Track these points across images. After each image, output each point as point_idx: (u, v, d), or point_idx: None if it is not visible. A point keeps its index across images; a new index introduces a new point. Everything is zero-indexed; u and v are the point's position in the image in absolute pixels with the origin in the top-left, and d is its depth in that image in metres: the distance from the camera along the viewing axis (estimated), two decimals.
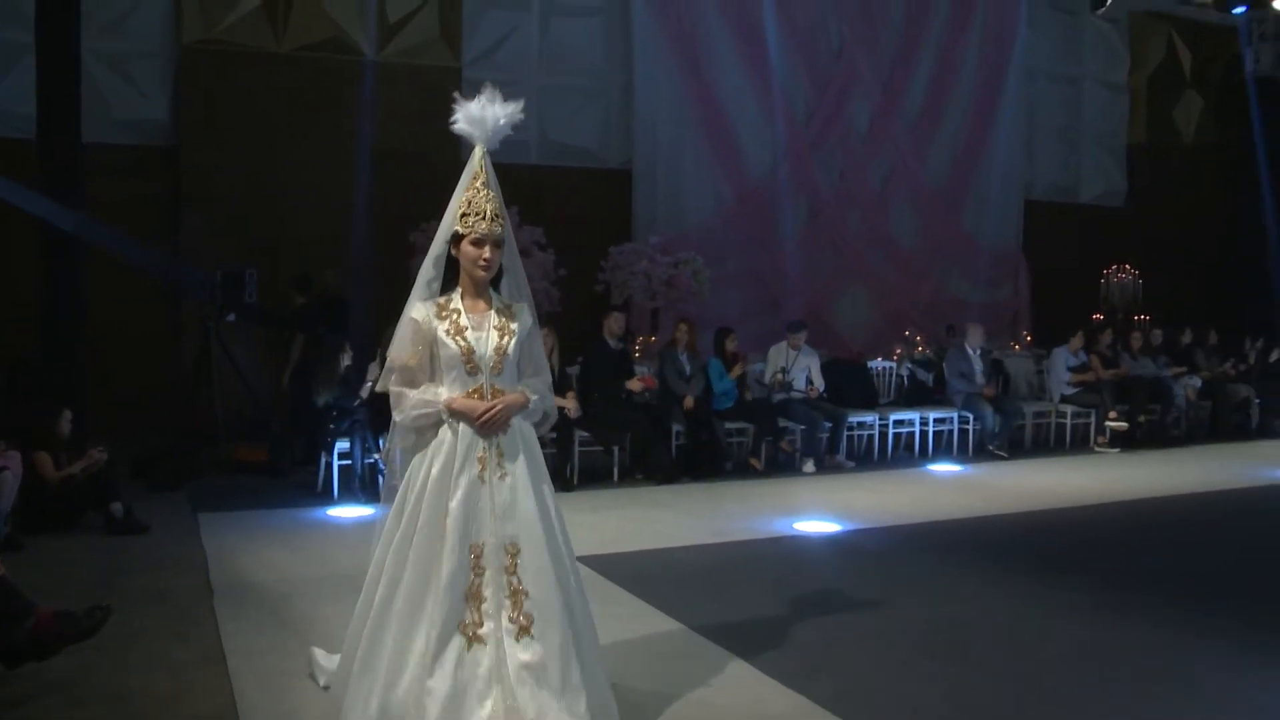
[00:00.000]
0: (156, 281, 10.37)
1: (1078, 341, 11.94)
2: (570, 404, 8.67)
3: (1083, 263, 14.87)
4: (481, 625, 3.63)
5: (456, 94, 3.87)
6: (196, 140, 10.75)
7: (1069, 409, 11.76)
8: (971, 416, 11.02)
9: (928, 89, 14.18)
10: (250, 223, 10.65)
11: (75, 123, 9.26)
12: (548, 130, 12.03)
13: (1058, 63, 15.54)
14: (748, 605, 5.64)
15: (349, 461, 8.27)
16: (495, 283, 3.89)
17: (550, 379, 4.06)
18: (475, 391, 3.75)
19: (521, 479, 3.75)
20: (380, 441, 8.41)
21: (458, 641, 3.60)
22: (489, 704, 3.57)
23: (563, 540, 3.84)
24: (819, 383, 10.27)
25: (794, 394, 10.16)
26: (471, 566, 3.64)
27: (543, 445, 4.15)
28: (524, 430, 3.85)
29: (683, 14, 12.67)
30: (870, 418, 10.74)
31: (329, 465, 8.34)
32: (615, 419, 9.20)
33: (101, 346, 9.75)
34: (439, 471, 3.69)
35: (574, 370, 9.44)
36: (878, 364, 11.80)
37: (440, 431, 3.75)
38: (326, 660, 4.27)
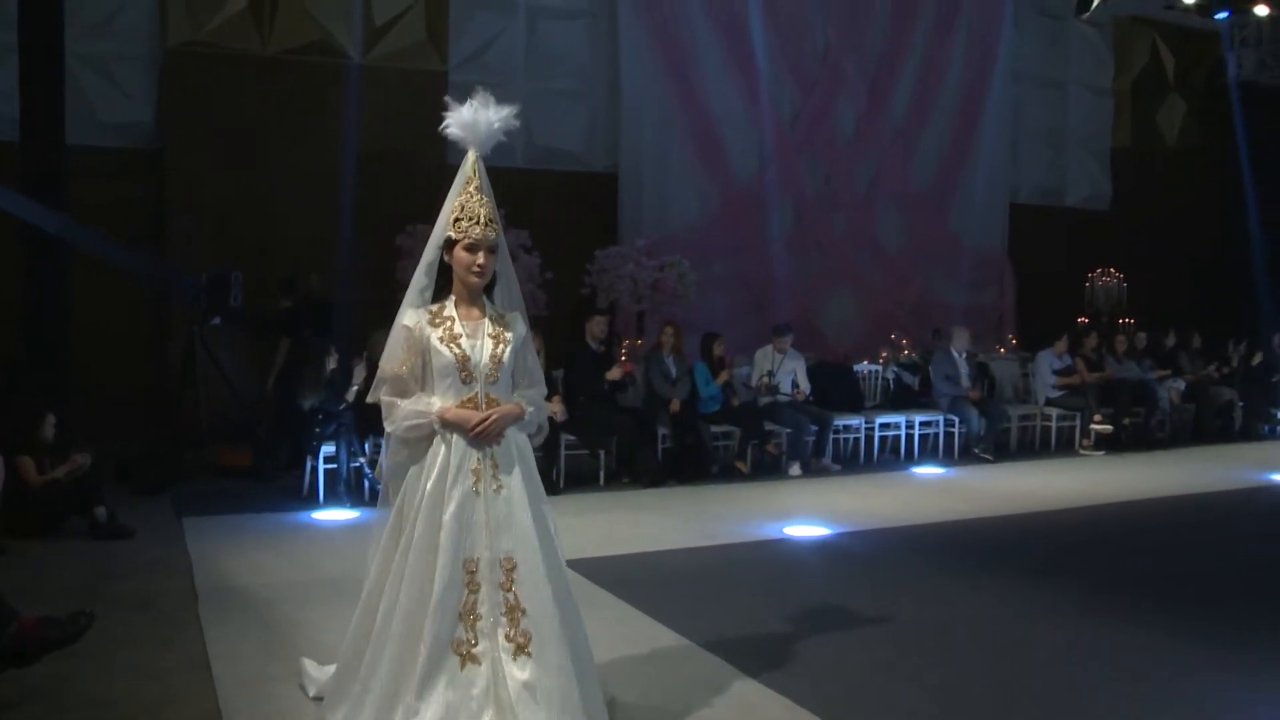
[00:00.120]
0: (141, 285, 10.33)
1: (1062, 345, 11.99)
2: (556, 407, 8.66)
3: (1068, 266, 14.93)
4: (476, 644, 3.53)
5: (448, 98, 3.81)
6: (182, 143, 10.71)
7: (1054, 412, 11.80)
8: (957, 419, 11.05)
9: (913, 92, 14.22)
10: (236, 226, 10.61)
11: (59, 125, 9.22)
12: (534, 133, 12.02)
13: (1043, 66, 15.61)
14: (735, 609, 5.65)
15: (335, 465, 8.25)
16: (489, 290, 3.83)
17: (545, 390, 3.98)
18: (469, 401, 3.67)
19: (517, 492, 3.67)
20: (365, 446, 8.41)
21: (451, 661, 3.51)
22: None
23: (557, 556, 3.75)
24: (805, 386, 10.29)
25: (780, 397, 10.17)
26: (466, 583, 3.55)
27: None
28: (519, 442, 3.77)
29: (669, 17, 12.68)
30: (856, 421, 10.76)
31: (314, 469, 8.32)
32: (601, 422, 9.20)
33: (85, 350, 9.70)
34: (433, 485, 3.60)
35: (559, 374, 9.44)
36: (863, 367, 11.82)
37: (433, 443, 3.65)
38: (317, 671, 4.21)
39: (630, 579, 6.05)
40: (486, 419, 3.62)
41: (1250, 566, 6.88)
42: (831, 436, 10.37)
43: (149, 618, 5.31)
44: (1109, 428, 11.58)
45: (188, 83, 10.70)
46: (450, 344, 3.66)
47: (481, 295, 3.78)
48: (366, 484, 8.36)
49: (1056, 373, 11.84)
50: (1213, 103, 16.29)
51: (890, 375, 11.76)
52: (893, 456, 10.95)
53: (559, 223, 11.48)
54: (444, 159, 10.93)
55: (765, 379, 10.22)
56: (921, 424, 11.09)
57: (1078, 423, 11.73)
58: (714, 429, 9.91)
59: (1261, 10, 12.94)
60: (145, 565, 6.36)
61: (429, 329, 3.68)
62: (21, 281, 9.02)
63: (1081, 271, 15.03)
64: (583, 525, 7.37)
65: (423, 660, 3.47)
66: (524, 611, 3.57)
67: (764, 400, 10.17)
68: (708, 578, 6.34)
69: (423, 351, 3.68)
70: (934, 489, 9.51)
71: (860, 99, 13.90)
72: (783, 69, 13.38)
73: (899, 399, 11.57)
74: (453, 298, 3.75)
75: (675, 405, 9.53)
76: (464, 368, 3.66)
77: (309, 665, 4.30)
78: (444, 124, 3.80)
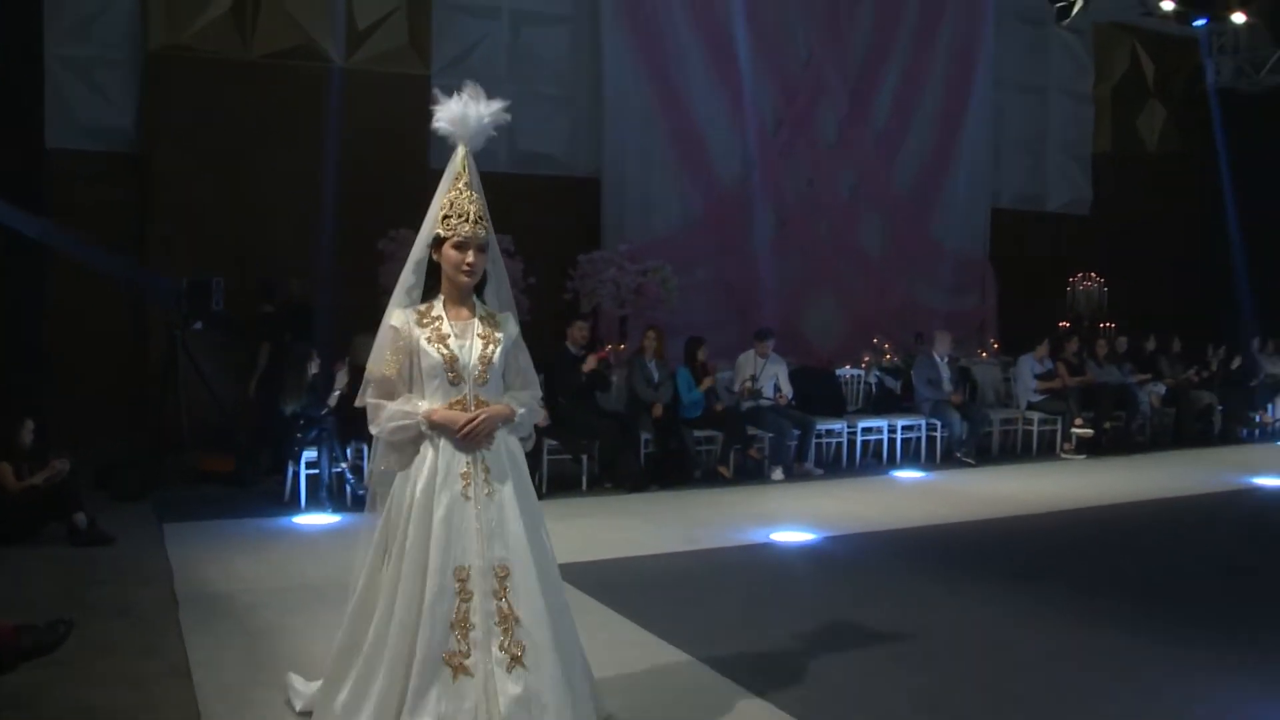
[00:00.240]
0: (121, 289, 10.28)
1: (1043, 349, 12.04)
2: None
3: (1049, 270, 15.00)
4: (469, 655, 3.39)
5: (436, 89, 3.74)
6: (163, 147, 10.66)
7: (1035, 416, 11.85)
8: (939, 424, 11.08)
9: (895, 97, 14.27)
10: (217, 230, 10.57)
11: (39, 129, 9.18)
12: (517, 138, 12.00)
13: (1024, 72, 15.68)
14: (717, 613, 5.66)
15: (316, 471, 8.23)
16: (479, 290, 3.73)
17: (539, 392, 3.88)
18: (458, 403, 3.56)
19: (509, 497, 3.54)
20: (348, 451, 8.39)
21: (443, 673, 3.37)
22: None
23: (550, 563, 3.64)
24: (787, 390, 10.31)
25: (762, 401, 10.19)
26: (457, 591, 3.41)
27: None
28: (510, 445, 3.66)
29: (652, 22, 12.70)
30: (838, 425, 10.78)
31: (296, 474, 8.30)
32: (583, 427, 9.20)
33: (65, 355, 9.65)
34: (422, 490, 3.48)
35: (539, 378, 9.42)
36: (846, 371, 11.84)
37: (421, 448, 3.54)
38: (304, 685, 4.11)
39: (613, 584, 6.05)
40: (474, 420, 3.51)
41: (1230, 569, 6.92)
42: (814, 441, 10.38)
43: (129, 625, 5.28)
44: (1090, 431, 11.63)
45: (169, 86, 10.65)
46: (438, 344, 3.55)
47: (471, 295, 3.69)
48: (349, 489, 8.35)
49: (1038, 377, 11.89)
50: (1192, 109, 16.40)
51: (872, 379, 11.80)
52: (875, 461, 10.97)
53: (542, 227, 11.47)
54: (426, 163, 11.03)
55: (748, 383, 10.23)
56: (903, 428, 11.11)
57: (1059, 427, 11.77)
58: (696, 433, 9.92)
59: (1238, 18, 13.03)
60: (125, 572, 6.32)
61: (417, 329, 3.57)
62: (0, 285, 8.96)
63: (1063, 276, 15.09)
64: (565, 530, 7.34)
65: (415, 672, 3.36)
66: (518, 621, 3.44)
67: (746, 404, 10.18)
68: (690, 582, 6.34)
69: (410, 353, 3.58)
70: (916, 493, 9.54)
71: (842, 104, 13.95)
72: (765, 74, 13.41)
73: (881, 403, 11.60)
74: (441, 297, 3.65)
75: (658, 410, 9.53)
76: (452, 369, 3.55)
77: (295, 680, 4.19)
78: (433, 118, 3.71)
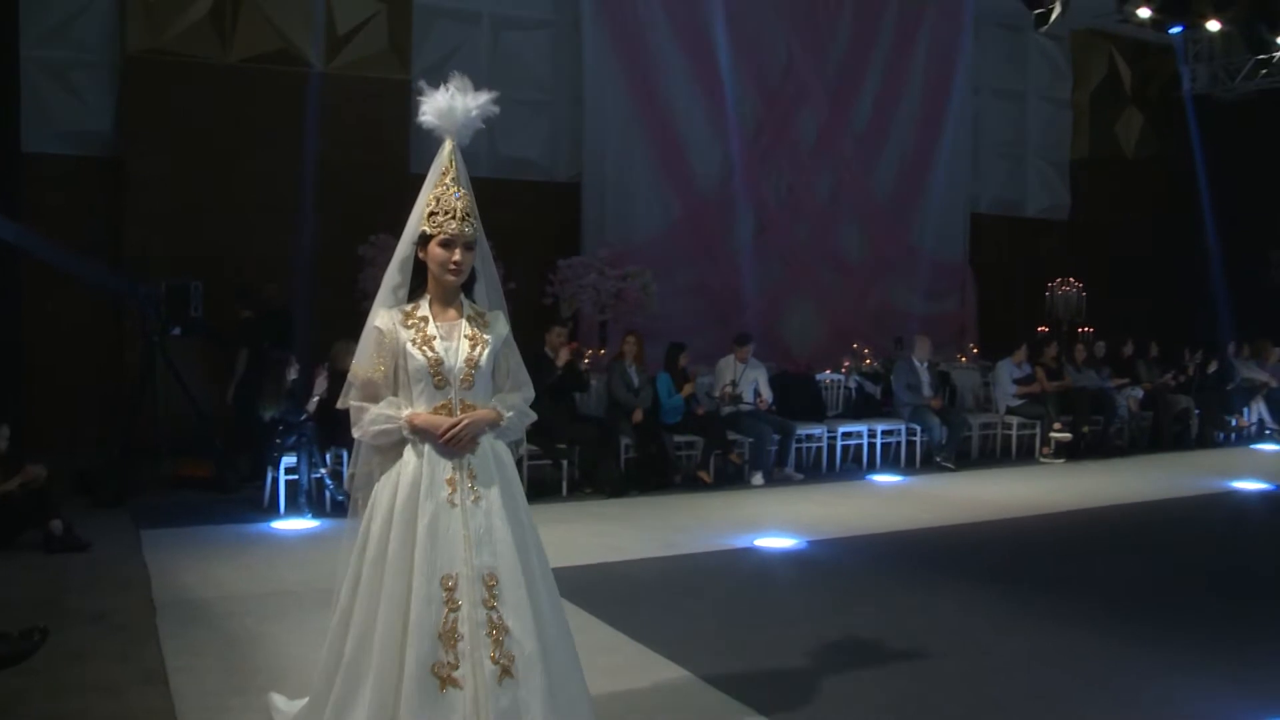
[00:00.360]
0: (99, 294, 10.22)
1: (1022, 354, 12.10)
2: None
3: (1028, 275, 15.08)
4: (457, 667, 3.24)
5: (422, 83, 3.56)
6: (141, 151, 10.60)
7: (1014, 420, 11.90)
8: (919, 428, 11.12)
9: (875, 103, 14.34)
10: (196, 235, 10.51)
11: (15, 132, 9.12)
12: (497, 143, 12.01)
13: (1002, 78, 15.80)
14: (697, 618, 5.66)
15: (296, 477, 8.19)
16: (468, 289, 3.60)
17: (531, 395, 3.68)
18: (443, 407, 3.43)
19: (496, 503, 3.40)
20: (327, 457, 8.36)
21: (431, 685, 3.22)
22: None
23: (542, 571, 3.51)
24: (767, 394, 10.33)
25: (743, 406, 10.20)
26: (444, 601, 3.27)
27: None
28: (498, 450, 3.52)
29: (632, 27, 12.72)
30: (818, 430, 10.80)
31: (275, 480, 8.26)
32: (563, 432, 9.19)
33: (42, 360, 9.58)
34: (405, 497, 3.34)
35: None
36: (826, 376, 11.88)
37: (404, 452, 3.41)
38: (287, 705, 4.02)
39: (592, 589, 6.04)
40: (456, 425, 3.38)
41: (1207, 573, 6.96)
42: (794, 445, 10.40)
43: (105, 632, 5.24)
44: (1068, 436, 11.69)
45: (147, 90, 10.60)
46: (423, 346, 3.42)
47: (459, 294, 3.56)
48: (328, 495, 8.32)
49: (1016, 381, 11.95)
50: (1169, 114, 16.55)
51: (852, 384, 11.83)
52: (854, 465, 11.00)
53: (522, 232, 11.46)
54: (407, 168, 11.01)
55: (728, 388, 10.25)
56: (883, 433, 11.14)
57: (1038, 431, 11.83)
58: (676, 438, 9.93)
59: (1213, 25, 13.15)
60: (102, 579, 6.28)
61: (402, 330, 3.44)
62: None
63: (1041, 281, 15.19)
64: (545, 535, 7.19)
65: (404, 685, 3.21)
66: (508, 631, 3.30)
67: (726, 409, 10.19)
68: (670, 588, 6.34)
69: (395, 354, 3.45)
70: (896, 497, 9.56)
71: (822, 110, 14.00)
72: (746, 80, 13.45)
73: (861, 408, 11.64)
74: (428, 297, 3.53)
75: (637, 415, 9.53)
76: (437, 372, 3.42)
77: (277, 700, 4.10)
78: (419, 112, 3.55)
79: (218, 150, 10.67)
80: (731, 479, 9.96)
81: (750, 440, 10.03)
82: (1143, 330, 13.97)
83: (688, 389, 10.03)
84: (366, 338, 3.51)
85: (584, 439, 9.29)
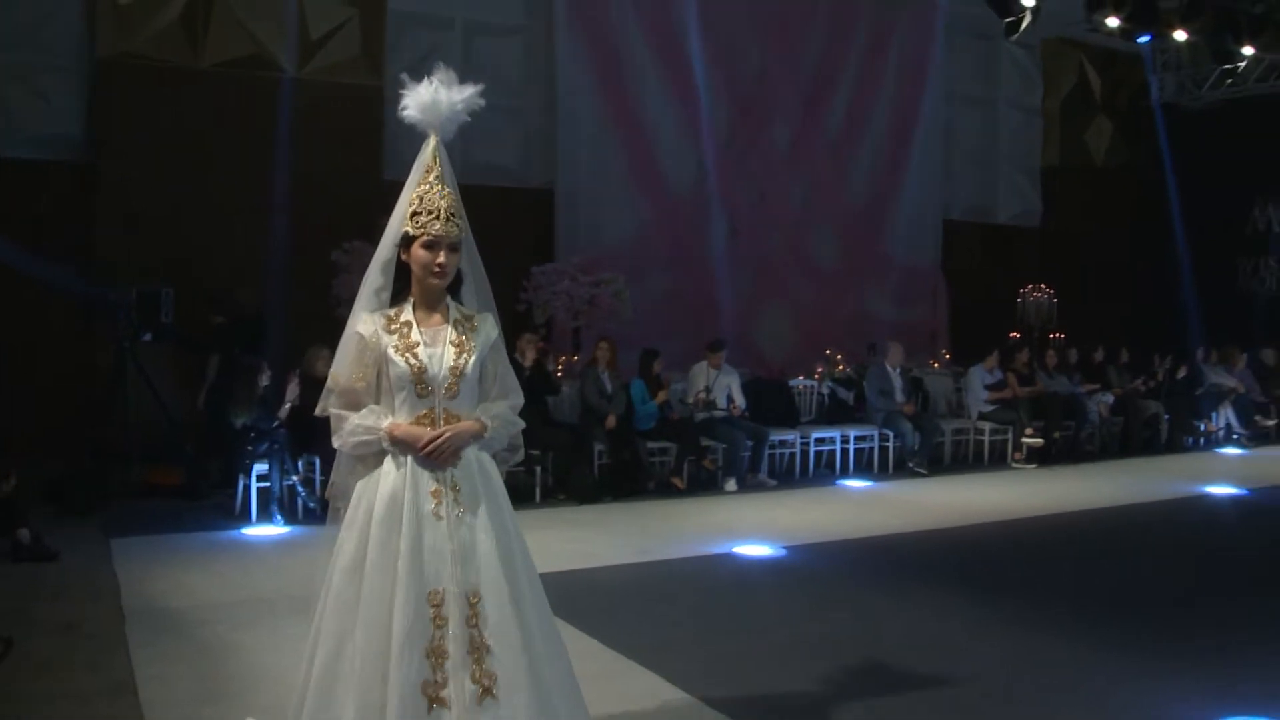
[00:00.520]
0: (69, 300, 10.13)
1: (993, 360, 12.16)
2: None
3: (1000, 281, 15.17)
4: (445, 686, 3.09)
5: (404, 76, 3.39)
6: (112, 156, 10.52)
7: (987, 426, 11.97)
8: (892, 434, 11.17)
9: (847, 110, 14.40)
10: (167, 241, 10.43)
11: None
12: (470, 149, 11.98)
13: (974, 86, 15.90)
14: (670, 624, 5.67)
15: (267, 484, 8.15)
16: (454, 291, 3.40)
17: (519, 402, 3.50)
18: (425, 416, 3.25)
19: (481, 518, 3.24)
20: (299, 463, 8.32)
21: (419, 704, 3.07)
22: None
23: (529, 586, 3.32)
24: (740, 400, 10.35)
25: (716, 413, 10.22)
26: (433, 618, 3.12)
27: None
28: (483, 462, 3.34)
29: (606, 33, 12.73)
30: (791, 436, 10.84)
31: (247, 487, 8.22)
32: (536, 438, 9.17)
33: (10, 366, 9.48)
34: (384, 509, 3.17)
35: None
36: (799, 382, 11.91)
37: (385, 462, 3.24)
38: None
39: (566, 595, 5.98)
40: (437, 438, 3.20)
41: (1177, 576, 7.03)
42: (767, 451, 10.43)
43: (73, 641, 5.20)
44: (1040, 441, 11.77)
45: (118, 95, 10.52)
46: (406, 353, 3.24)
47: (444, 298, 3.36)
48: (300, 502, 8.28)
49: (988, 387, 12.02)
50: (1138, 122, 16.71)
51: (825, 390, 11.87)
52: (828, 471, 11.03)
53: (494, 238, 11.27)
54: (380, 174, 10.97)
55: (702, 394, 10.26)
56: (856, 438, 11.19)
57: (1010, 436, 11.90)
58: (650, 445, 9.93)
59: (1180, 35, 13.30)
60: (70, 588, 6.22)
61: (384, 336, 3.26)
62: None
63: (1013, 287, 15.28)
64: None
65: (389, 706, 3.05)
66: (488, 650, 3.14)
67: (700, 416, 10.20)
68: (644, 594, 6.35)
69: (377, 361, 3.27)
70: (869, 503, 9.60)
71: (795, 117, 14.04)
72: (718, 86, 13.48)
73: (834, 414, 11.68)
74: (411, 300, 3.33)
75: (611, 421, 9.53)
76: (420, 380, 3.24)
77: None
78: (401, 106, 3.37)
79: (189, 155, 10.59)
80: (705, 485, 9.97)
81: (724, 446, 10.04)
82: (1113, 336, 14.09)
83: (662, 395, 10.04)
84: (347, 343, 3.33)
85: (557, 445, 9.28)
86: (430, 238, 3.25)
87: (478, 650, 3.14)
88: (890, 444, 11.21)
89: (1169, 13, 13.13)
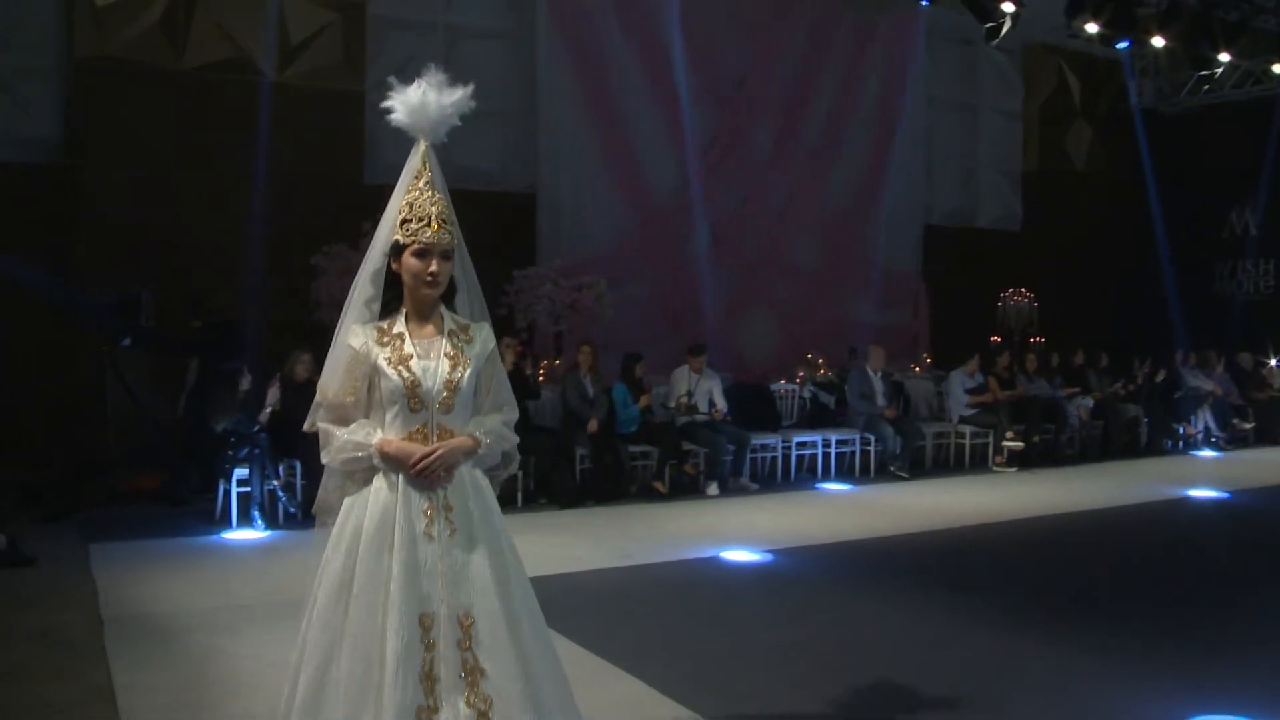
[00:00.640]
0: (47, 305, 10.06)
1: (973, 364, 12.21)
2: None
3: (980, 286, 15.22)
4: (438, 710, 3.01)
5: (392, 79, 3.27)
6: (90, 159, 10.45)
7: (967, 429, 12.01)
8: (873, 438, 11.20)
9: (829, 115, 14.42)
10: (146, 244, 10.36)
11: None
12: (452, 153, 11.91)
13: (955, 91, 15.95)
14: (651, 629, 5.67)
15: (248, 489, 8.12)
16: (448, 300, 3.28)
17: (514, 416, 3.37)
18: (418, 432, 3.13)
19: (475, 538, 3.13)
20: (279, 468, 8.30)
21: None
22: None
23: (526, 607, 3.21)
24: (722, 404, 10.36)
25: (698, 417, 10.23)
26: (422, 641, 3.01)
27: None
28: (476, 479, 3.23)
29: (588, 38, 12.72)
30: (773, 439, 10.85)
31: (227, 492, 8.18)
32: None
33: None
34: (373, 528, 3.05)
35: None
36: (780, 386, 11.93)
37: (375, 479, 3.12)
38: None
39: (547, 600, 5.96)
40: (429, 455, 3.08)
41: (1156, 579, 7.07)
42: (749, 455, 10.44)
43: (50, 648, 5.16)
44: (1020, 444, 11.81)
45: (97, 97, 10.45)
46: (399, 366, 3.11)
47: (437, 308, 3.24)
48: (280, 507, 8.26)
49: (969, 391, 12.06)
50: (1117, 127, 16.81)
51: (807, 394, 11.89)
52: (809, 475, 11.05)
53: (476, 242, 11.17)
54: (360, 178, 10.94)
55: (684, 398, 10.27)
56: (838, 442, 11.21)
57: (990, 440, 11.95)
58: (631, 449, 9.92)
59: (1158, 41, 13.41)
60: (47, 594, 6.18)
61: (376, 349, 3.14)
62: None
63: (993, 291, 15.34)
64: None
65: None
66: (483, 673, 3.03)
67: (682, 420, 10.21)
68: (626, 598, 6.34)
69: (368, 374, 3.15)
70: (850, 507, 9.62)
71: (776, 122, 14.06)
72: (700, 91, 13.48)
73: (815, 418, 11.70)
74: (404, 311, 3.21)
75: (593, 425, 9.53)
76: (413, 394, 3.11)
77: None
78: (389, 110, 3.26)
79: (169, 159, 10.54)
80: (687, 489, 9.98)
81: (705, 450, 10.05)
82: (1093, 340, 14.16)
83: (644, 400, 10.04)
84: (337, 357, 3.20)
85: (539, 449, 9.27)
86: (421, 246, 3.14)
87: (472, 673, 3.04)
88: (871, 448, 11.24)
89: (1147, 19, 13.26)
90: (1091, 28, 12.83)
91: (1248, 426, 14.14)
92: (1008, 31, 12.67)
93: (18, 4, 10.40)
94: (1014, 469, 11.68)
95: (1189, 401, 13.74)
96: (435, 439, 3.14)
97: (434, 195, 3.20)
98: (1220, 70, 14.95)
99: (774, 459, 10.91)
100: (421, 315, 3.22)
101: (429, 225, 3.14)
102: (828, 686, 4.79)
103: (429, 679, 3.00)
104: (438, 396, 3.14)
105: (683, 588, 6.66)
